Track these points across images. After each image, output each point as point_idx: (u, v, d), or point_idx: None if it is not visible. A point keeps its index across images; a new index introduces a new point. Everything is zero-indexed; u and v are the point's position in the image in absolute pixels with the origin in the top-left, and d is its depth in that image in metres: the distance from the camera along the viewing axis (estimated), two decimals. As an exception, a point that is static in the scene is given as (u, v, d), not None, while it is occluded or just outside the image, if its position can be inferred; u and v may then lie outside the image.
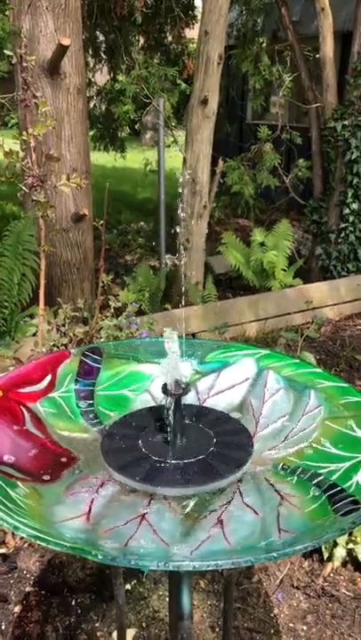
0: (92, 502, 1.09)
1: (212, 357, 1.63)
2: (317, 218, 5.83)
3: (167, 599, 2.06)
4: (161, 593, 2.11)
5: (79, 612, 2.03)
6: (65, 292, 4.54)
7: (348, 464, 1.18)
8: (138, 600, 2.09)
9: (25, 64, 1.94)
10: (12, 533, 2.27)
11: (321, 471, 1.18)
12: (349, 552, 2.25)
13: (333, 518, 1.01)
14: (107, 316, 2.36)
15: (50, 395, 1.45)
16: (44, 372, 1.50)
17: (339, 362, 3.73)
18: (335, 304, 4.53)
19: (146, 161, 6.95)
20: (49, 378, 1.49)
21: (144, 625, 2.00)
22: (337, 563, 2.24)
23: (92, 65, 7.40)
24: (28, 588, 2.11)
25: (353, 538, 2.26)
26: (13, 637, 1.94)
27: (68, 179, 2.11)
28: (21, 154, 2.05)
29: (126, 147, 9.04)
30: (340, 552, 2.24)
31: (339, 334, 4.18)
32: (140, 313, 4.42)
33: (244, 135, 7.80)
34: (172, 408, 1.24)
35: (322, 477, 1.16)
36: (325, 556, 2.23)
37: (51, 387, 1.47)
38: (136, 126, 12.95)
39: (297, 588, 2.18)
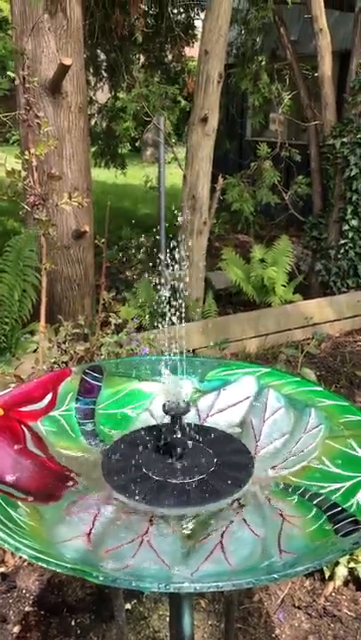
0: (92, 522, 1.09)
1: (212, 376, 1.63)
2: (317, 234, 5.86)
3: (167, 619, 2.05)
4: (161, 613, 2.10)
5: (79, 632, 2.01)
6: (66, 308, 4.55)
7: (348, 484, 1.18)
8: (138, 620, 2.07)
9: (27, 85, 1.96)
10: (12, 552, 2.26)
11: (322, 491, 1.18)
12: (351, 571, 2.24)
13: (335, 539, 1.00)
14: (107, 333, 2.36)
15: (51, 413, 1.46)
16: (44, 390, 1.51)
17: (339, 378, 3.73)
18: (335, 320, 4.54)
19: (146, 177, 7.01)
20: (50, 396, 1.50)
21: (144, 645, 1.98)
22: (338, 582, 2.22)
23: (93, 83, 7.49)
24: (27, 608, 2.10)
25: (354, 557, 2.24)
26: (12, 658, 1.92)
27: (70, 197, 2.13)
28: (23, 173, 2.07)
29: (127, 163, 9.10)
30: (341, 571, 2.22)
31: (339, 350, 4.19)
32: (140, 329, 4.43)
33: (244, 152, 7.86)
34: (173, 427, 1.24)
35: (323, 497, 1.16)
36: (327, 575, 2.22)
37: (51, 405, 1.48)
38: (137, 143, 13.06)
39: (298, 607, 2.16)
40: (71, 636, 1.99)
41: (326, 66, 5.37)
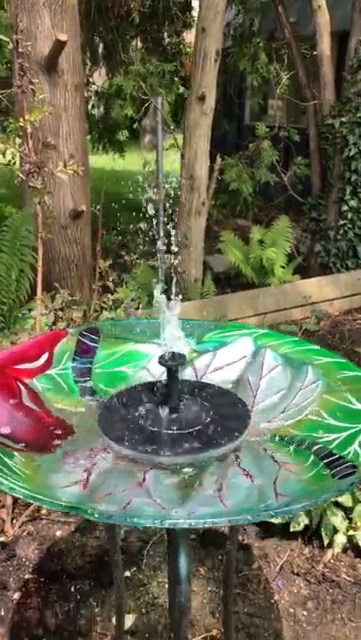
0: (89, 470, 1.08)
1: (209, 337, 1.62)
2: (316, 215, 5.83)
3: (167, 586, 2.05)
4: (160, 580, 2.11)
5: (78, 598, 2.02)
6: (63, 289, 4.54)
7: (345, 434, 1.18)
8: (137, 587, 2.08)
9: (21, 49, 1.94)
10: (11, 521, 2.27)
11: (319, 441, 1.18)
12: (350, 539, 2.24)
13: (331, 481, 1.00)
14: (104, 302, 2.36)
15: (47, 372, 1.45)
16: (40, 349, 1.50)
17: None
18: (335, 299, 4.53)
19: (145, 161, 6.97)
20: (46, 356, 1.49)
21: (144, 611, 1.99)
22: (337, 549, 2.23)
23: (89, 66, 7.43)
24: (27, 576, 2.10)
25: (353, 525, 2.25)
26: (13, 623, 1.93)
27: (65, 165, 2.11)
28: (18, 140, 2.05)
29: (125, 150, 9.06)
30: (340, 539, 2.23)
31: (338, 328, 4.18)
32: (138, 309, 4.43)
33: (243, 136, 7.82)
34: (169, 380, 1.23)
35: (320, 446, 1.16)
36: (326, 542, 2.22)
37: (48, 364, 1.47)
38: (134, 126, 12.97)
39: (297, 574, 2.17)
40: (71, 601, 2.00)
41: (325, 44, 5.32)
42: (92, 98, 7.29)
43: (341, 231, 5.59)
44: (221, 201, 6.61)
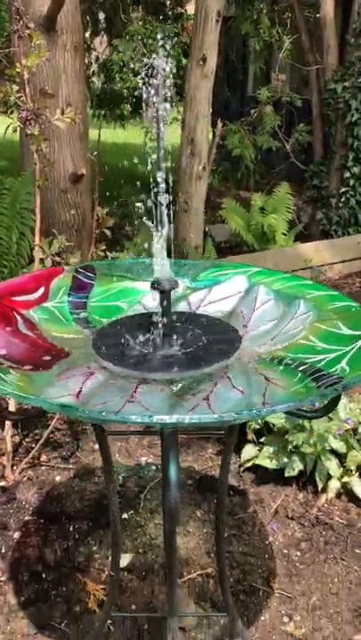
0: (82, 384, 1.11)
1: (204, 276, 1.64)
2: (318, 182, 5.81)
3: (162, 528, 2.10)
4: (157, 522, 2.15)
5: (77, 537, 2.07)
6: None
7: (333, 355, 1.21)
8: (135, 528, 2.13)
9: (22, 7, 1.94)
10: (12, 467, 2.31)
11: (307, 361, 1.20)
12: (344, 485, 2.28)
13: (318, 391, 1.03)
14: (102, 250, 2.37)
15: (43, 304, 1.47)
16: (37, 284, 1.52)
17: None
18: (334, 263, 4.53)
19: (146, 129, 6.92)
20: (42, 290, 1.51)
21: (140, 551, 2.04)
22: (331, 494, 2.27)
23: (89, 34, 7.34)
24: (27, 517, 2.16)
25: (347, 470, 2.29)
26: (13, 559, 1.98)
27: (63, 113, 2.11)
28: (15, 87, 2.05)
29: (126, 121, 8.98)
30: (334, 484, 2.27)
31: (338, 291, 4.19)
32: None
33: (245, 104, 7.74)
34: (162, 302, 1.26)
35: (308, 365, 1.18)
36: (320, 487, 2.27)
37: (44, 297, 1.49)
38: (135, 97, 12.83)
39: (291, 518, 2.22)
40: (70, 540, 2.05)
41: (328, 6, 5.25)
42: (93, 65, 7.21)
43: (343, 198, 5.57)
44: (223, 167, 6.57)
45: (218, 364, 1.18)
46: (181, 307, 1.51)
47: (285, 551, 2.09)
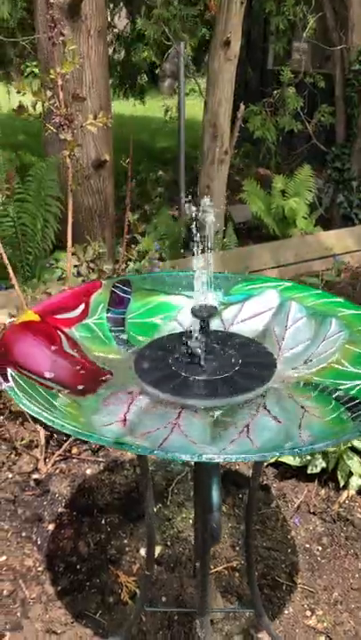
0: (127, 410, 1.18)
1: (236, 290, 1.69)
2: (340, 165, 5.77)
3: (191, 520, 2.20)
4: (185, 515, 2.25)
5: (109, 530, 2.17)
6: (86, 239, 4.60)
7: (365, 381, 1.26)
8: (163, 521, 2.23)
9: (52, 0, 1.95)
10: (45, 460, 2.41)
11: (340, 387, 1.26)
12: (364, 481, 2.36)
13: (353, 424, 1.09)
14: (133, 255, 2.43)
15: (84, 321, 1.54)
16: (77, 300, 1.58)
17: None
18: (356, 251, 4.54)
19: (166, 107, 6.87)
20: (82, 307, 1.57)
21: (169, 543, 2.14)
22: (352, 491, 2.35)
23: (110, 10, 7.24)
24: (60, 509, 2.26)
25: (368, 468, 2.36)
26: (48, 551, 2.09)
27: (95, 117, 2.15)
28: (48, 93, 2.08)
29: (145, 95, 8.89)
30: (355, 481, 2.35)
31: (359, 280, 4.21)
32: (160, 260, 4.49)
33: (266, 81, 7.63)
34: (200, 330, 1.32)
35: (341, 392, 1.24)
36: (341, 484, 2.34)
37: (84, 315, 1.56)
38: (156, 71, 12.67)
39: (313, 513, 2.30)
40: (102, 533, 2.15)
41: (354, -16, 5.13)
42: (114, 42, 7.13)
43: (365, 182, 5.54)
44: (245, 148, 6.53)
45: (255, 390, 1.24)
46: (215, 324, 1.57)
47: (307, 545, 2.18)
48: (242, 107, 4.86)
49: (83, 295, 1.61)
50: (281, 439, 1.09)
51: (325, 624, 1.88)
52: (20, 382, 1.19)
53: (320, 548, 2.17)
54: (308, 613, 1.92)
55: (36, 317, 1.47)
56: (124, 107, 10.58)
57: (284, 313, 1.57)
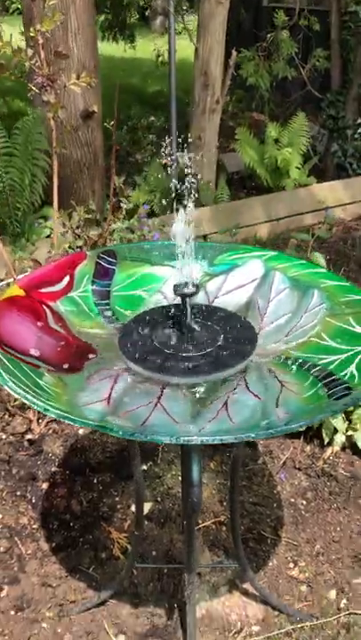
0: (111, 388, 1.21)
1: (221, 260, 1.70)
2: (334, 113, 5.64)
3: (180, 477, 2.28)
4: (174, 472, 2.33)
5: (100, 488, 2.25)
6: (76, 192, 4.54)
7: (343, 356, 1.29)
8: (153, 478, 2.31)
9: None
10: (37, 420, 2.47)
11: (319, 362, 1.29)
12: (348, 438, 2.43)
13: (327, 402, 1.12)
14: (119, 218, 2.41)
15: (69, 294, 1.55)
16: (62, 272, 1.59)
17: (348, 262, 3.79)
18: (349, 203, 4.51)
19: (157, 51, 6.64)
20: (67, 279, 1.58)
21: (159, 499, 2.23)
22: (337, 447, 2.43)
23: None
24: (53, 469, 2.34)
25: (352, 425, 2.43)
26: (43, 509, 2.17)
27: (78, 77, 2.09)
28: (29, 52, 2.02)
29: (136, 35, 8.57)
30: (339, 438, 2.42)
31: (350, 234, 4.20)
32: (151, 214, 4.46)
33: (260, 22, 7.35)
34: (183, 307, 1.33)
35: (319, 367, 1.27)
36: (326, 441, 2.42)
37: (69, 287, 1.57)
38: (146, 13, 12.19)
39: (299, 469, 2.39)
40: (94, 491, 2.23)
41: None
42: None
43: (360, 130, 5.43)
44: (237, 96, 6.36)
45: (236, 367, 1.28)
46: (200, 296, 1.58)
47: (292, 500, 2.27)
48: (234, 53, 4.71)
49: (67, 267, 1.61)
50: (258, 417, 1.13)
51: (307, 574, 1.98)
52: (5, 361, 1.22)
53: (304, 503, 2.26)
54: (292, 565, 2.02)
55: (21, 292, 1.48)
56: (114, 48, 10.20)
57: (268, 284, 1.59)
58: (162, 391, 1.22)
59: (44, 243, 3.47)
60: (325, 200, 4.36)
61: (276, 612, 1.86)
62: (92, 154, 4.49)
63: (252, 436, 1.01)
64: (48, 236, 3.64)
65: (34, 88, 2.10)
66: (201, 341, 1.36)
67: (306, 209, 4.34)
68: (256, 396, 1.20)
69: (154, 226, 3.15)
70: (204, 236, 4.06)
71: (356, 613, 1.88)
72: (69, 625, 1.82)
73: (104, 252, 1.69)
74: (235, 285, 1.62)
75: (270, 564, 2.02)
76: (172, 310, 1.44)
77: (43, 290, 1.52)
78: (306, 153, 5.55)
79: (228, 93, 5.58)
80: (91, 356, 1.36)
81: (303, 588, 1.95)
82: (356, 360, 1.26)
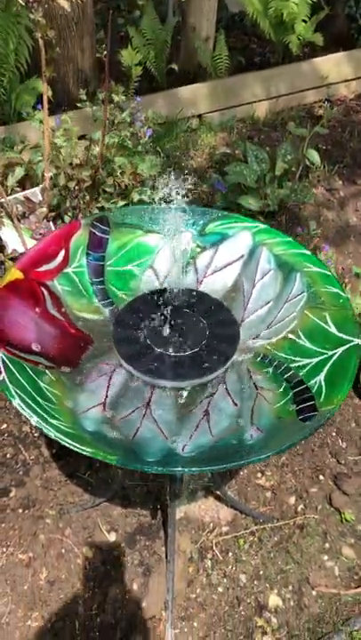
0: (106, 390, 1.37)
1: (212, 229, 1.75)
2: None
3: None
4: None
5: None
6: (64, 51, 4.22)
7: (314, 360, 1.43)
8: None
9: None
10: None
11: (292, 365, 1.44)
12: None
13: (297, 424, 1.29)
14: (113, 129, 2.31)
15: (65, 270, 1.63)
16: (58, 246, 1.65)
17: (344, 155, 3.70)
18: (352, 79, 4.25)
19: None
20: (63, 253, 1.65)
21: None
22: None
23: None
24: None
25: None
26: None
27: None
28: None
29: None
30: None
31: (350, 118, 4.04)
32: (145, 74, 4.21)
33: None
34: (174, 311, 1.45)
35: (292, 372, 1.43)
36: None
37: (65, 262, 1.64)
38: None
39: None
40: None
41: None
42: None
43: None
44: None
45: (219, 371, 1.42)
46: (189, 276, 1.67)
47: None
48: None
49: (63, 240, 1.67)
50: (234, 428, 1.31)
51: (272, 482, 2.33)
52: (10, 365, 1.34)
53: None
54: (259, 475, 2.35)
55: (20, 275, 1.56)
56: None
57: (254, 263, 1.67)
58: (152, 393, 1.39)
59: (33, 132, 3.37)
60: (328, 75, 4.11)
61: (244, 515, 2.22)
62: (81, 7, 4.10)
63: (226, 467, 1.19)
64: (34, 106, 3.47)
65: (20, 2, 1.93)
66: (188, 339, 1.49)
67: (307, 85, 4.11)
68: (234, 402, 1.37)
69: (147, 120, 3.04)
70: (199, 116, 3.90)
71: (310, 517, 2.25)
72: (69, 521, 2.17)
73: (97, 219, 1.73)
74: (224, 262, 1.70)
75: (241, 473, 2.35)
76: (163, 296, 1.55)
77: (40, 269, 1.60)
78: (315, 3, 5.05)
79: None
80: (87, 346, 1.49)
81: (268, 494, 2.30)
82: (325, 369, 1.40)
